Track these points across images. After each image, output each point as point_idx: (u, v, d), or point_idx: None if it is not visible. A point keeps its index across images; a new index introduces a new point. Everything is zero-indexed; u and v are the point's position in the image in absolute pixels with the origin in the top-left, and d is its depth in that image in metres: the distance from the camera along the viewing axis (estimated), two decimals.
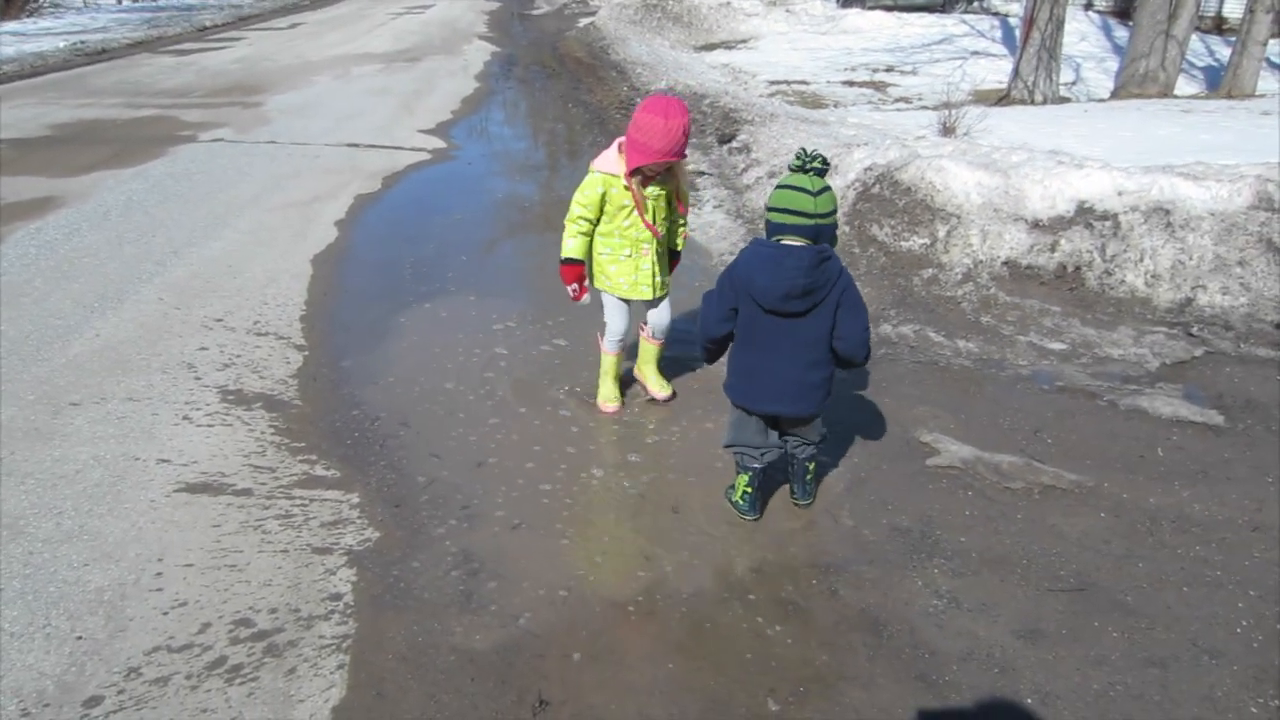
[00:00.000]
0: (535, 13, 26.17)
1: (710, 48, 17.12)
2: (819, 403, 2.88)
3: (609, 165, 3.37)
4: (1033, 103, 10.34)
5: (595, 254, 3.54)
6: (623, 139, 3.35)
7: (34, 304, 4.71)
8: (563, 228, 3.50)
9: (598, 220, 3.45)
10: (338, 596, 2.67)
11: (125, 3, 28.81)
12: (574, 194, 3.44)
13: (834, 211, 2.71)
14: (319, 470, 3.31)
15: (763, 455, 2.99)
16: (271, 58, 15.13)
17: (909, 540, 2.95)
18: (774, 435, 2.99)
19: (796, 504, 3.13)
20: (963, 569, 2.81)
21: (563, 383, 4.00)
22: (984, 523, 3.04)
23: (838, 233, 2.89)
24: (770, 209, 2.74)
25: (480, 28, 21.27)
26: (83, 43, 16.22)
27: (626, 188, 3.36)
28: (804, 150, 2.74)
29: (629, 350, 3.87)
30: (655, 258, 3.53)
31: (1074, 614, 2.61)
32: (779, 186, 2.73)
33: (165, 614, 2.59)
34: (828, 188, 2.71)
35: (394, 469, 3.33)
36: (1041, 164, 5.41)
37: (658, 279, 3.56)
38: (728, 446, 3.05)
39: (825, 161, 2.71)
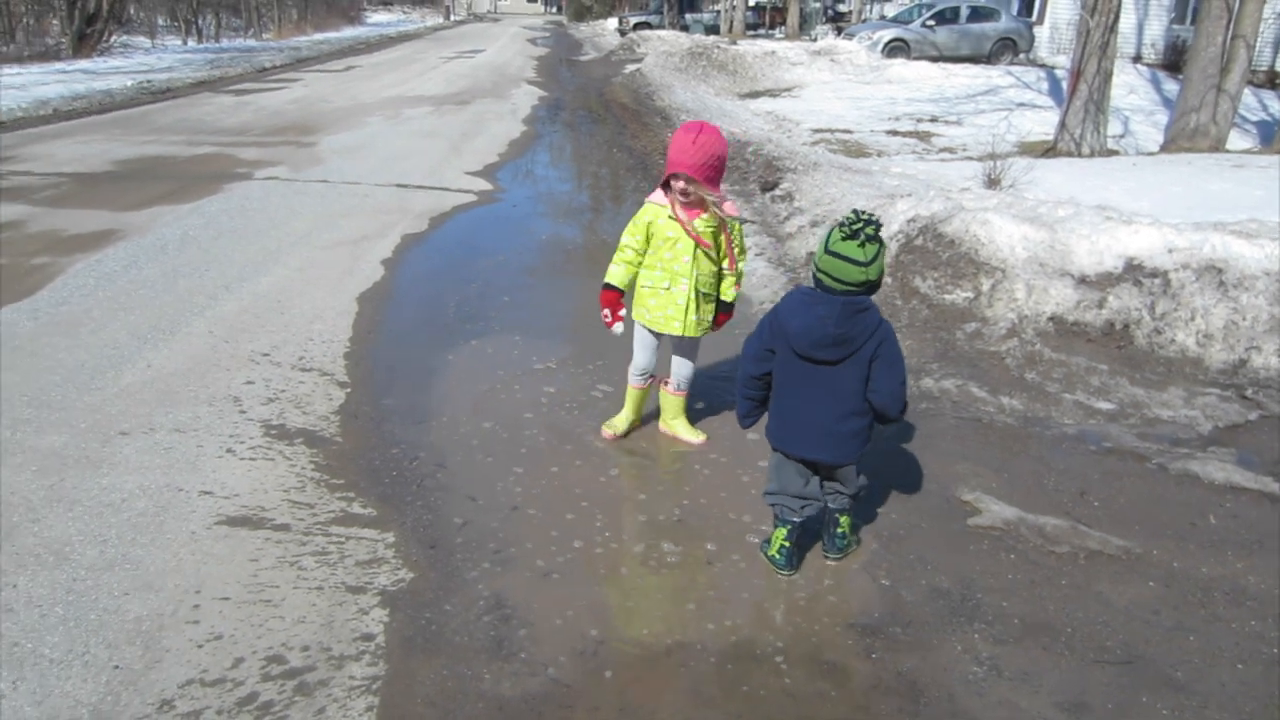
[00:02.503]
0: (583, 59, 26.69)
1: (754, 95, 17.29)
2: (854, 451, 2.87)
3: (657, 196, 3.49)
4: (1080, 155, 10.26)
5: (638, 286, 3.63)
6: None
7: (90, 333, 4.83)
8: (610, 267, 3.64)
9: (645, 251, 3.56)
10: (370, 637, 2.67)
11: (191, 44, 29.91)
12: None
13: (883, 270, 2.71)
14: (356, 508, 3.33)
15: (803, 508, 2.96)
16: (327, 99, 15.56)
17: (948, 603, 2.88)
18: (814, 483, 2.96)
19: (826, 557, 3.08)
20: (1004, 635, 2.73)
21: (605, 425, 3.99)
22: (1027, 587, 2.96)
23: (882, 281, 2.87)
24: (818, 269, 2.73)
25: (529, 73, 21.72)
26: (149, 81, 16.83)
27: (671, 217, 3.44)
28: (856, 213, 2.67)
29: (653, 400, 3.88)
30: (694, 295, 3.54)
31: (1121, 688, 2.53)
32: (828, 252, 2.68)
33: (200, 647, 2.61)
34: (880, 250, 2.67)
35: (430, 509, 3.34)
36: (1089, 219, 5.36)
37: (690, 317, 3.56)
38: (768, 495, 3.03)
39: (878, 226, 2.66)
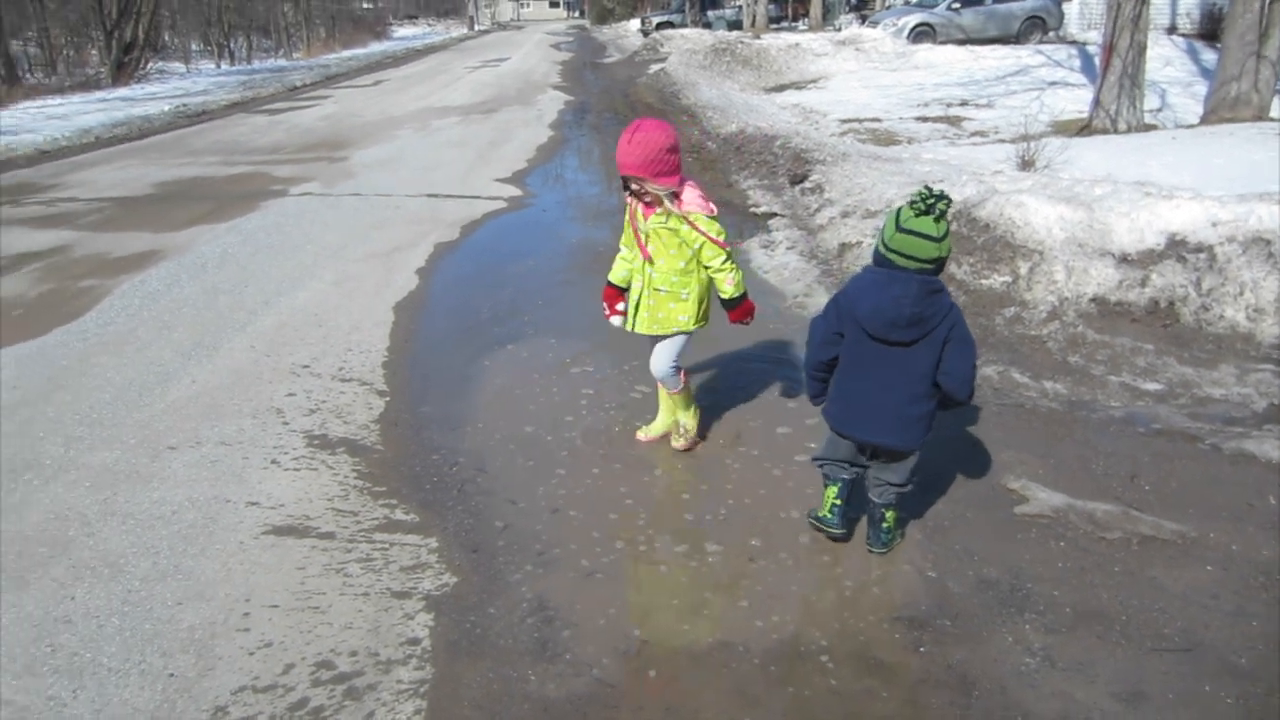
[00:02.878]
0: (606, 61, 26.74)
1: (780, 89, 17.20)
2: (919, 437, 2.84)
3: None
4: (1116, 132, 10.06)
5: None
6: None
7: (137, 352, 4.93)
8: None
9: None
10: (415, 641, 2.69)
11: (224, 66, 30.45)
12: None
13: (951, 247, 2.71)
14: (399, 515, 3.36)
15: (851, 468, 2.99)
16: (357, 114, 15.73)
17: (997, 593, 2.83)
18: (861, 461, 2.98)
19: (870, 550, 3.04)
20: (1056, 625, 2.68)
21: (640, 423, 3.98)
22: (1078, 575, 2.90)
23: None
24: (888, 249, 2.69)
25: (554, 78, 21.79)
26: (185, 105, 17.16)
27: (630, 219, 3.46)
28: (928, 189, 2.65)
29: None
30: (646, 291, 3.47)
31: (1181, 676, 2.46)
32: (900, 229, 2.66)
33: (251, 654, 2.65)
34: (949, 226, 2.67)
35: (472, 514, 3.35)
36: (1128, 196, 5.25)
37: (641, 314, 3.51)
38: (816, 460, 3.09)
39: (950, 202, 2.66)
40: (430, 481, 3.59)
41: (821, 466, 3.07)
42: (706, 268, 3.43)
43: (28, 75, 23.05)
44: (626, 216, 3.50)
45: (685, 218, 3.33)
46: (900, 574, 2.95)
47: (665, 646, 2.65)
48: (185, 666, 2.61)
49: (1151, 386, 4.14)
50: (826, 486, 3.04)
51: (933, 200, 2.62)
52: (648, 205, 3.38)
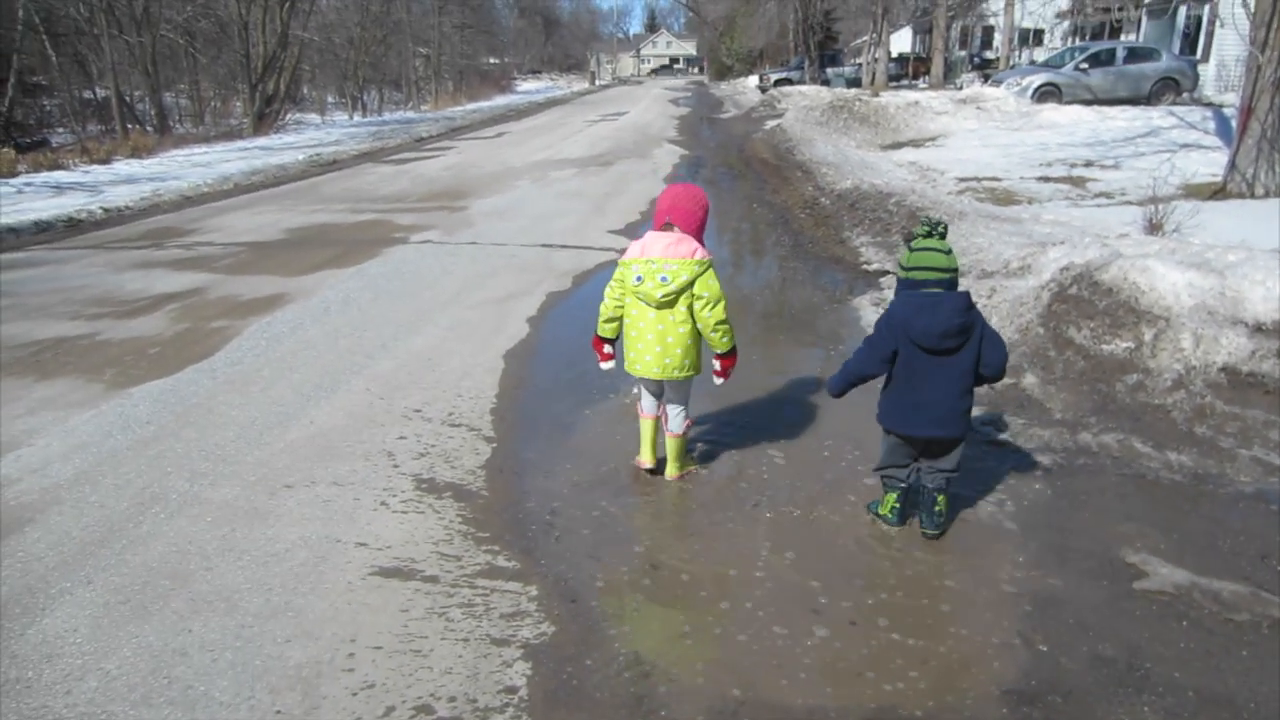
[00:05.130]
0: (723, 117, 27.08)
1: (897, 146, 17.04)
2: (968, 426, 3.38)
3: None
4: (1253, 196, 9.57)
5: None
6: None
7: (260, 392, 5.19)
8: (733, 325, 3.99)
9: None
10: (513, 690, 2.72)
11: (356, 118, 32.15)
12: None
13: (957, 264, 3.28)
14: (501, 561, 3.42)
15: (907, 477, 3.49)
16: (478, 165, 16.35)
17: (1114, 671, 2.69)
18: (912, 463, 3.48)
19: (924, 534, 3.44)
20: (1178, 708, 2.53)
21: (744, 482, 3.97)
22: (1202, 657, 2.73)
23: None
24: (912, 269, 3.25)
25: (670, 132, 22.18)
26: (318, 155, 18.19)
27: None
28: (928, 218, 3.33)
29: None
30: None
31: None
32: (914, 250, 3.26)
33: (355, 695, 2.72)
34: (950, 246, 3.28)
35: (572, 564, 3.38)
36: (1264, 263, 5.00)
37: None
38: (878, 470, 3.56)
39: (946, 225, 3.30)
40: (532, 529, 3.64)
41: (883, 476, 3.54)
42: None
43: (177, 125, 24.92)
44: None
45: None
46: (1010, 647, 2.84)
47: (763, 710, 2.61)
48: (292, 704, 2.68)
49: None
50: (887, 493, 3.54)
51: (931, 225, 3.26)
52: None
